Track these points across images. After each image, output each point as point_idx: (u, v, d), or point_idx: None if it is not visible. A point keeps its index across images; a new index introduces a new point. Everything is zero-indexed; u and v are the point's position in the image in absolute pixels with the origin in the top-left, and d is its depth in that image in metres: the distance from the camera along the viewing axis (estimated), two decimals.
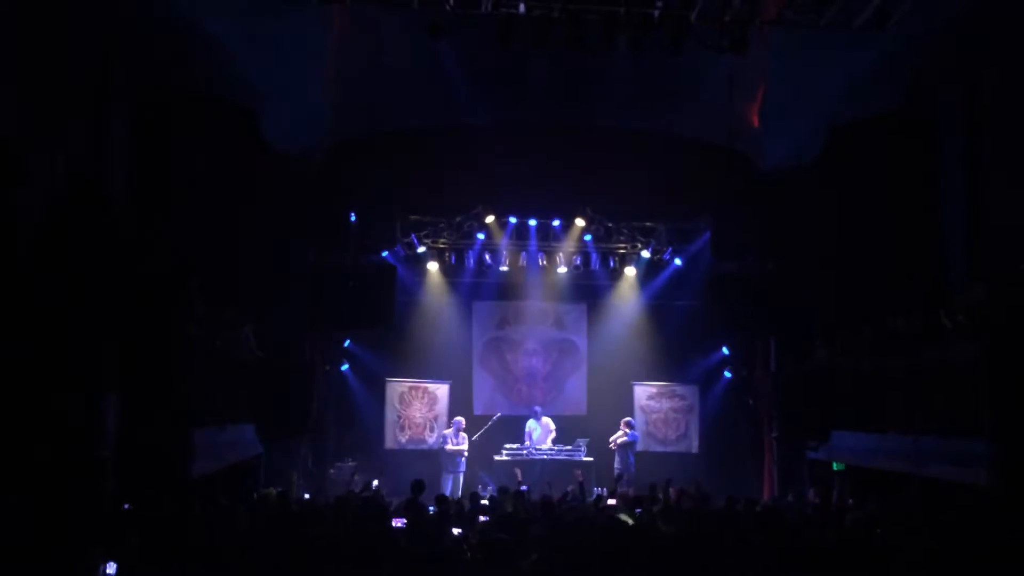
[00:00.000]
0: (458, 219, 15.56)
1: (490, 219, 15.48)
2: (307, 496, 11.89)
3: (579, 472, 12.69)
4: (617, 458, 14.93)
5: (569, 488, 11.20)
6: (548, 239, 16.08)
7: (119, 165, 10.47)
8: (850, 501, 10.51)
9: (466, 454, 14.76)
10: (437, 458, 15.03)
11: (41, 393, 6.62)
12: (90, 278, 7.08)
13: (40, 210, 7.34)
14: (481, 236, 15.82)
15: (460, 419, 15.13)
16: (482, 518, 8.55)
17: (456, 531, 7.59)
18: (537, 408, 15.94)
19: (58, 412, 6.56)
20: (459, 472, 14.61)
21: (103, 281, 7.21)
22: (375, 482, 12.06)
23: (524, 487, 11.53)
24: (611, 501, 10.54)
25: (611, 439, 15.09)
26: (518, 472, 13.23)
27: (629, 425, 15.25)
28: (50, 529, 6.14)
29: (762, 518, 8.58)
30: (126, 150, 10.75)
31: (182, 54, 10.70)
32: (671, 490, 11.01)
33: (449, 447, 14.70)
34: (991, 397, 8.18)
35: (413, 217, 15.46)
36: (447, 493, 12.35)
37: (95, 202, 7.60)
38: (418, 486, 9.76)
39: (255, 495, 10.76)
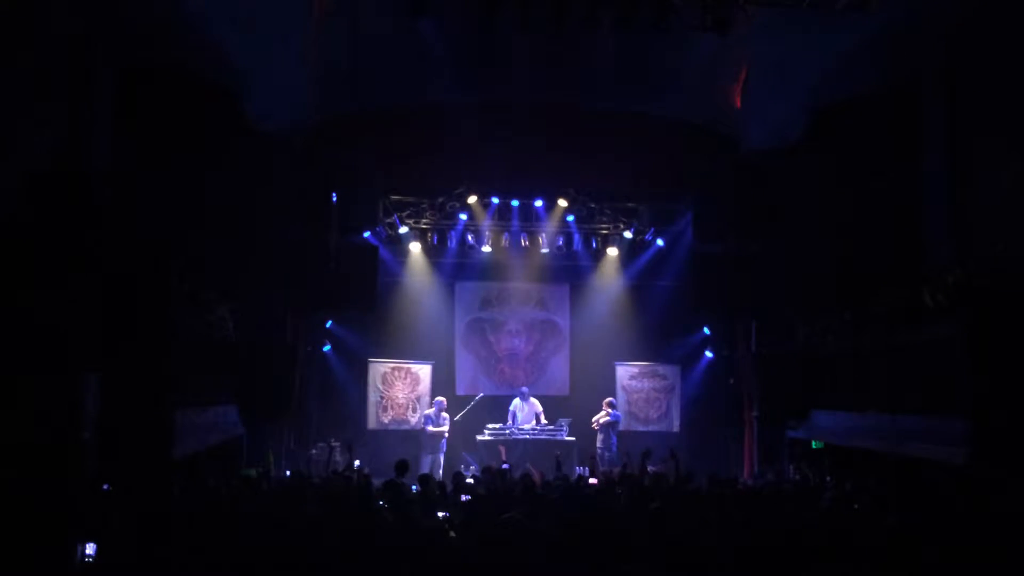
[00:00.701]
0: (440, 199, 15.52)
1: (472, 199, 15.45)
2: (288, 473, 11.89)
3: (558, 453, 12.74)
4: (600, 438, 15.02)
5: (552, 477, 11.23)
6: (530, 220, 16.07)
7: (99, 145, 10.37)
8: (828, 479, 10.60)
9: (447, 435, 14.80)
10: (418, 438, 15.06)
11: (20, 374, 6.58)
12: (69, 258, 7.03)
13: (19, 189, 7.26)
14: (463, 216, 15.80)
15: (442, 399, 15.15)
16: (464, 497, 8.58)
17: (441, 515, 7.62)
18: (524, 389, 15.98)
19: (37, 393, 6.52)
20: (440, 453, 14.65)
21: (82, 261, 7.16)
22: (357, 461, 12.07)
23: (506, 466, 11.57)
24: (592, 480, 10.61)
25: (594, 419, 15.17)
26: (503, 450, 13.26)
27: (611, 405, 15.33)
28: (29, 510, 6.12)
29: (741, 496, 8.66)
30: (107, 130, 10.65)
31: (163, 33, 10.59)
32: (649, 467, 10.99)
33: (432, 429, 14.72)
34: (968, 377, 8.28)
35: (395, 197, 15.41)
36: (426, 472, 12.38)
37: (75, 181, 7.53)
38: (402, 466, 9.78)
39: (236, 475, 10.76)
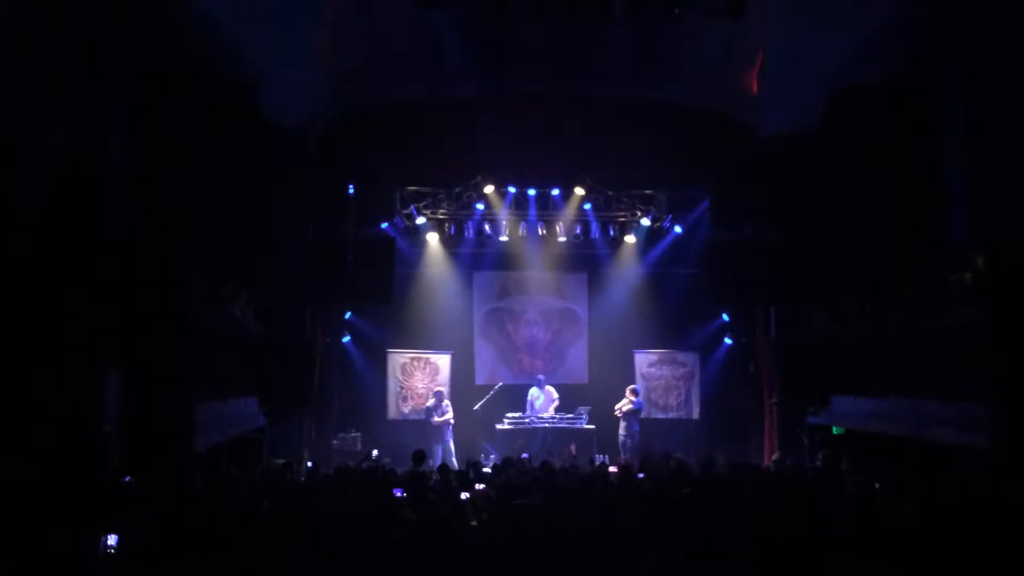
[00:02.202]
0: (457, 190, 15.52)
1: (489, 189, 15.44)
2: (310, 464, 11.99)
3: (572, 447, 12.74)
4: (622, 426, 15.00)
5: (569, 465, 11.26)
6: (547, 208, 16.04)
7: (117, 141, 10.45)
8: (847, 465, 10.56)
9: (452, 422, 14.87)
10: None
11: (42, 369, 6.64)
12: (89, 254, 7.08)
13: (38, 187, 7.32)
14: (480, 206, 15.78)
15: (440, 390, 15.30)
16: (480, 486, 8.62)
17: (464, 495, 7.71)
18: (541, 377, 16.01)
19: (59, 388, 6.58)
20: (447, 441, 14.75)
21: (102, 257, 7.22)
22: (375, 452, 12.15)
23: (525, 455, 11.62)
24: (612, 468, 10.62)
25: (617, 407, 15.15)
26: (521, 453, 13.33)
27: (634, 392, 15.29)
28: (52, 504, 6.19)
29: (763, 483, 8.63)
30: (124, 126, 10.72)
31: (178, 29, 10.65)
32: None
33: (436, 419, 14.80)
34: (991, 361, 8.22)
35: (411, 188, 15.43)
36: (438, 462, 12.47)
37: (93, 178, 7.59)
38: (419, 456, 9.84)
39: (259, 467, 10.86)
